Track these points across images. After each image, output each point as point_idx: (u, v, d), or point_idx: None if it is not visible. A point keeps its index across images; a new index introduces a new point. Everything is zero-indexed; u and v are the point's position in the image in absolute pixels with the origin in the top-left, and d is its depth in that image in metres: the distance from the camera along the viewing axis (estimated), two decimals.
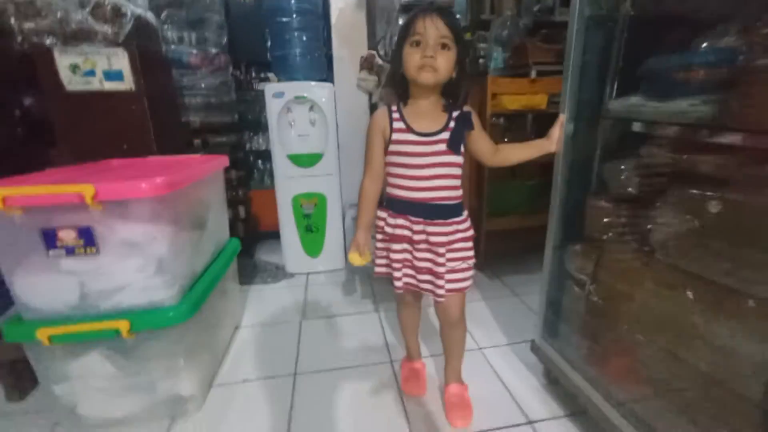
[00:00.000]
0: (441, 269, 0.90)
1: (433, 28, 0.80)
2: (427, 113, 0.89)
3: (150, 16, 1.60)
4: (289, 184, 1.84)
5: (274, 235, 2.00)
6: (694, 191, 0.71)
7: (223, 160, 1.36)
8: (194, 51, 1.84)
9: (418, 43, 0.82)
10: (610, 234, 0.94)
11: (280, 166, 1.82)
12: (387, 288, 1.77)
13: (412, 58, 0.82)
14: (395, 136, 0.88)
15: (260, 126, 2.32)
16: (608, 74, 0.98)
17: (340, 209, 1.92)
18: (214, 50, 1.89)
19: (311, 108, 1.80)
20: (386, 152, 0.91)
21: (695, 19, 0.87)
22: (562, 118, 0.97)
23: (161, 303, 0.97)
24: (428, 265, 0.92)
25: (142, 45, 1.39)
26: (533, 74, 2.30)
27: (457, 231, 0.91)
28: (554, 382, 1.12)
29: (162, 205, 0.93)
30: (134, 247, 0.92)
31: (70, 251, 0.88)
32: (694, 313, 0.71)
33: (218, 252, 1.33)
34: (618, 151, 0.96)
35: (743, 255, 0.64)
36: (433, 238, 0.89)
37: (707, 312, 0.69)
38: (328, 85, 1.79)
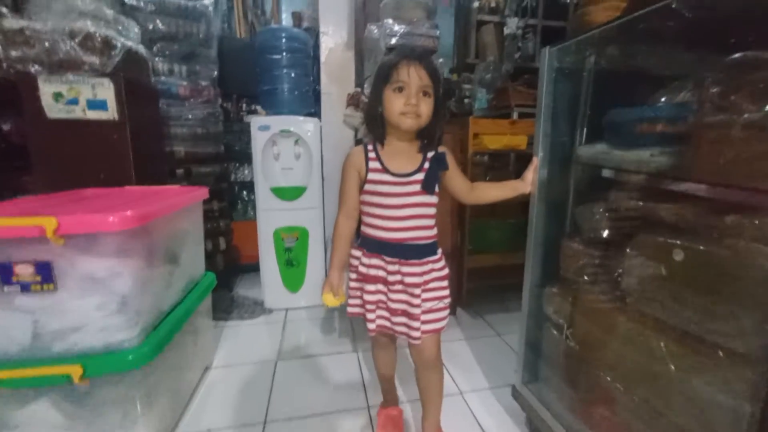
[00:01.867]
0: (416, 311, 0.87)
1: (416, 77, 0.82)
2: (403, 154, 0.89)
3: (141, 49, 1.63)
4: (271, 216, 1.82)
5: (255, 268, 1.95)
6: (660, 239, 0.72)
7: (203, 192, 1.35)
8: (184, 83, 1.86)
9: (401, 89, 0.83)
10: (586, 277, 0.94)
11: (263, 198, 1.81)
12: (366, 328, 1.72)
13: (396, 105, 0.83)
14: (371, 176, 0.88)
15: (246, 158, 2.32)
16: (578, 121, 1.02)
17: (322, 243, 1.90)
18: (204, 83, 1.92)
19: (296, 142, 1.83)
20: (361, 191, 0.91)
21: (654, 75, 0.92)
22: (536, 161, 0.99)
23: (120, 344, 0.91)
24: (403, 306, 0.90)
25: (129, 76, 1.40)
26: (515, 116, 2.40)
27: (432, 270, 0.90)
28: None
29: (130, 238, 0.90)
30: (96, 283, 0.87)
31: (26, 287, 0.83)
32: (666, 363, 0.69)
33: (191, 287, 1.28)
34: (590, 194, 0.99)
35: (706, 305, 0.64)
36: (408, 279, 0.87)
37: (679, 362, 0.68)
38: (314, 119, 1.83)
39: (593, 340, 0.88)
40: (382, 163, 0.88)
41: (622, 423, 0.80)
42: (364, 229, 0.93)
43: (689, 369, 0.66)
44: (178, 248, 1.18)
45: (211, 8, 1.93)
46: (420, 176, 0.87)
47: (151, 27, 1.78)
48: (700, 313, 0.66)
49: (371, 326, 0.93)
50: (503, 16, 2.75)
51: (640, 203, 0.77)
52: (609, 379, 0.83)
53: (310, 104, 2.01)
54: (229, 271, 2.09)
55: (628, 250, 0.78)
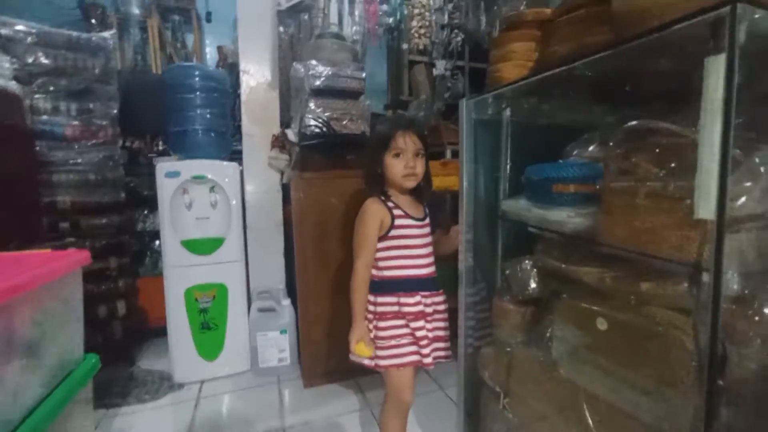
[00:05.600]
0: (447, 333, 1.02)
1: (411, 143, 0.97)
2: (409, 203, 1.03)
3: (12, 85, 1.38)
4: (181, 273, 1.58)
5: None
6: (583, 305, 0.68)
7: (81, 257, 1.09)
8: (73, 122, 1.61)
9: (398, 155, 0.97)
10: (518, 339, 0.88)
11: (172, 253, 1.57)
12: (297, 395, 1.52)
13: (397, 168, 0.97)
14: (398, 221, 0.98)
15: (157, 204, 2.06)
16: (500, 173, 1.01)
17: (244, 301, 1.68)
18: (100, 122, 1.67)
19: (212, 189, 1.64)
20: (384, 238, 0.98)
21: (566, 127, 0.95)
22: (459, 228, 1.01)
23: None
24: (438, 333, 1.00)
25: None
26: (448, 154, 2.44)
27: (444, 300, 1.04)
28: None
29: None
30: None
31: None
32: None
33: (60, 379, 1.01)
34: (518, 248, 0.96)
35: (631, 378, 0.60)
36: (440, 307, 1.01)
37: None
38: (232, 164, 1.66)
39: (531, 413, 0.81)
40: (403, 210, 1.00)
41: None
42: (394, 273, 0.99)
43: None
44: (35, 336, 0.92)
45: (111, 41, 1.72)
46: (428, 220, 1.05)
47: (31, 60, 1.52)
48: (626, 387, 0.62)
49: (429, 360, 0.95)
50: (432, 58, 2.87)
51: (563, 265, 0.74)
52: None
53: (228, 148, 1.85)
54: (130, 339, 1.76)
55: (554, 315, 0.74)
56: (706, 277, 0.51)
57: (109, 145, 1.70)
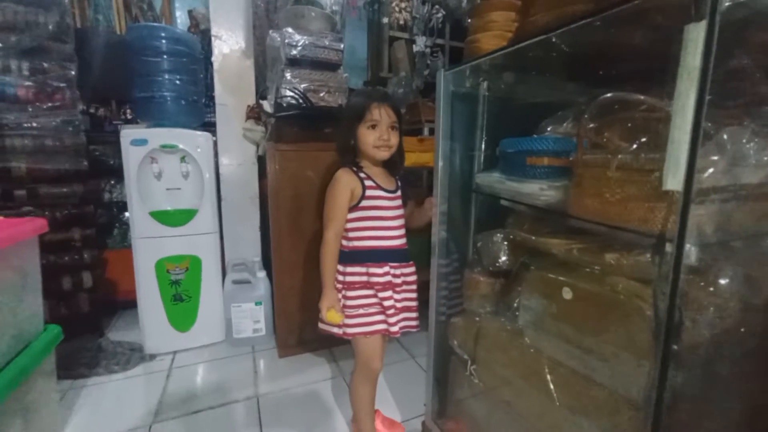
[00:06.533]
0: (415, 303, 1.04)
1: (386, 115, 0.96)
2: (382, 175, 1.03)
3: None
4: (151, 246, 1.53)
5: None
6: (550, 275, 0.70)
7: (37, 225, 1.05)
8: (26, 83, 1.49)
9: (373, 126, 0.96)
10: (487, 309, 0.91)
11: (140, 224, 1.51)
12: (271, 364, 1.54)
13: (370, 139, 0.97)
14: (369, 192, 0.98)
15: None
16: (475, 146, 1.01)
17: (218, 273, 1.66)
18: (56, 83, 1.55)
19: (183, 159, 1.57)
20: (355, 209, 0.98)
21: (542, 102, 0.95)
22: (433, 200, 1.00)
23: None
24: (406, 303, 1.01)
25: None
26: (426, 131, 2.42)
27: (414, 271, 1.05)
28: None
29: None
30: None
31: None
32: (561, 407, 0.67)
33: (18, 351, 0.97)
34: (491, 222, 0.97)
35: (594, 345, 0.63)
36: (409, 278, 1.03)
37: (573, 405, 0.66)
38: (203, 133, 1.59)
39: (497, 380, 0.84)
40: (374, 182, 1.00)
41: None
42: (363, 243, 0.99)
43: (582, 412, 0.64)
44: None
45: None
46: (399, 192, 1.04)
47: None
48: (588, 354, 0.65)
49: (395, 329, 0.97)
50: (412, 34, 2.80)
51: (533, 238, 0.75)
52: (510, 420, 0.79)
53: (200, 117, 1.77)
54: (99, 311, 1.71)
55: (521, 285, 0.76)
56: (669, 248, 0.53)
57: (68, 110, 1.58)
